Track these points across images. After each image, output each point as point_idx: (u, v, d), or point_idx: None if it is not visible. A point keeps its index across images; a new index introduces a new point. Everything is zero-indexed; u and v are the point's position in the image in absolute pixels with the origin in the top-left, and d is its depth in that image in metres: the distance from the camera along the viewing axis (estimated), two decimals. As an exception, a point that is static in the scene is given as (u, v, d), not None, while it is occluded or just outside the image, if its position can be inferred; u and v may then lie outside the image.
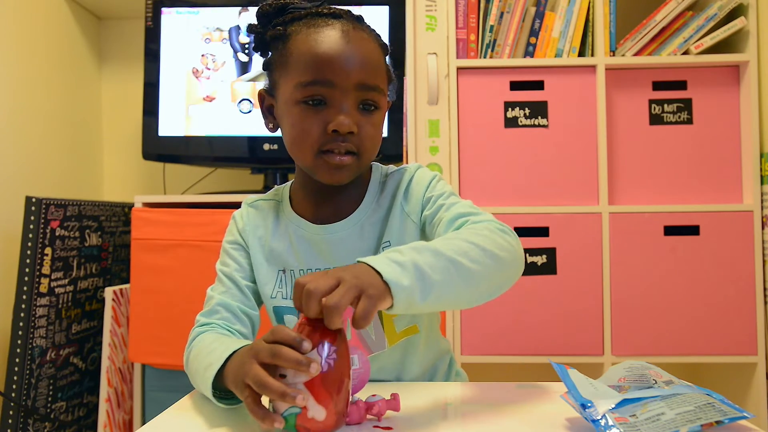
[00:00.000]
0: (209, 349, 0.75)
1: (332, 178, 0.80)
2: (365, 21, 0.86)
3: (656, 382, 0.65)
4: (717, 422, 0.58)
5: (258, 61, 1.87)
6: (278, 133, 0.88)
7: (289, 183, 0.96)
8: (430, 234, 0.85)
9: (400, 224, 0.86)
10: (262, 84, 1.86)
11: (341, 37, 0.79)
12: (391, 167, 0.93)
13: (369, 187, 0.89)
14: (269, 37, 0.83)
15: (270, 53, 0.85)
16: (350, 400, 0.64)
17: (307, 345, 0.59)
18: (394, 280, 0.61)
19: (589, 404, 0.59)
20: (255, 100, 1.87)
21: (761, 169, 1.66)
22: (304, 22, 0.81)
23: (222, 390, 0.70)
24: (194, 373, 0.76)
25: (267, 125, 0.88)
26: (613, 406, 0.59)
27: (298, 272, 0.87)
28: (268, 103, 0.87)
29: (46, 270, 1.63)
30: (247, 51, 1.89)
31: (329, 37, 0.78)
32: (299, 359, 0.58)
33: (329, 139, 0.78)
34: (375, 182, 0.90)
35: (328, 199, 0.87)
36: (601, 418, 0.58)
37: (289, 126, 0.81)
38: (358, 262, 0.64)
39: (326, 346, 0.59)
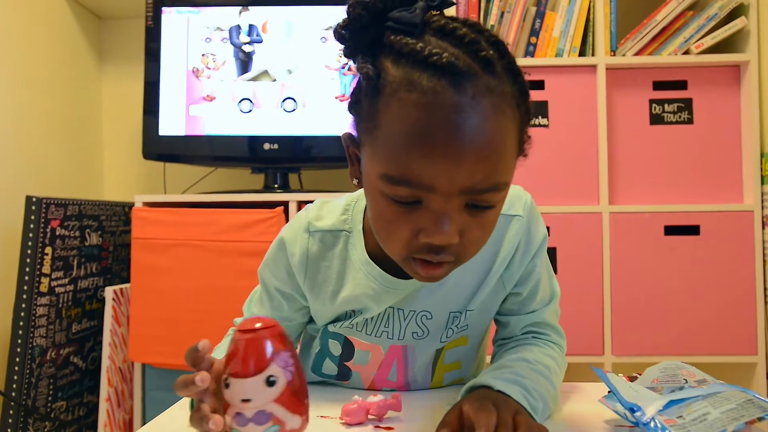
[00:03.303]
0: None
1: (422, 280, 0.64)
2: (502, 56, 0.57)
3: (687, 382, 0.66)
4: (759, 418, 0.59)
5: (258, 60, 1.87)
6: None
7: (363, 202, 0.75)
8: (507, 305, 0.79)
9: (493, 290, 0.76)
10: (264, 84, 1.78)
11: (450, 120, 0.53)
12: None
13: None
14: (358, 67, 0.59)
15: (358, 86, 0.62)
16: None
17: (202, 343, 0.56)
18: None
19: (636, 408, 0.59)
20: (255, 100, 1.87)
21: (761, 169, 1.66)
22: (404, 70, 0.55)
23: None
24: None
25: (351, 178, 0.67)
26: (661, 408, 0.60)
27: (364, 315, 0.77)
28: (353, 150, 0.66)
29: (46, 269, 1.62)
30: (246, 51, 1.88)
31: (432, 121, 0.53)
32: (185, 380, 0.53)
33: (421, 248, 0.59)
34: None
35: None
36: (650, 421, 0.58)
37: (373, 214, 0.63)
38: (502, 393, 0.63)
39: (283, 355, 0.56)
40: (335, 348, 0.81)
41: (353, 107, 0.63)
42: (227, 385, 0.55)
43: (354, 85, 0.63)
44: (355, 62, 0.60)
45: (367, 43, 0.58)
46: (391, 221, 0.59)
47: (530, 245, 0.74)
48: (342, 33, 0.59)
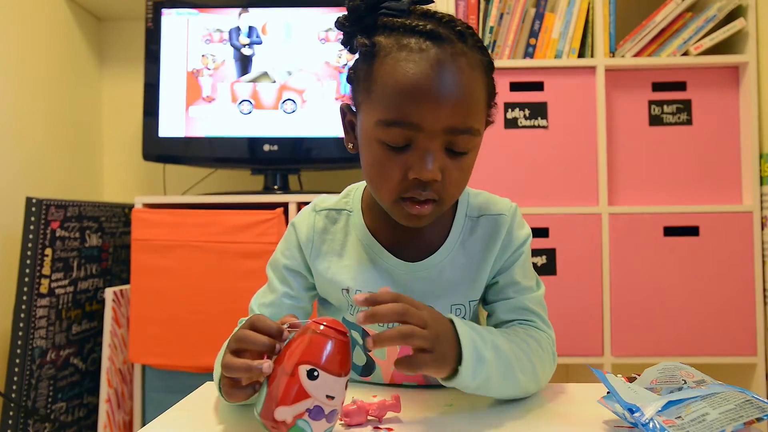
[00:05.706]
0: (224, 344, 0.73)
1: (409, 223, 0.74)
2: (472, 35, 0.72)
3: (686, 383, 0.66)
4: (758, 419, 0.59)
5: (258, 62, 1.87)
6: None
7: (362, 189, 0.87)
8: (487, 296, 0.84)
9: (485, 283, 0.83)
10: (264, 85, 1.82)
11: (434, 70, 0.67)
12: (481, 202, 0.84)
13: (455, 223, 0.83)
14: (356, 46, 0.73)
15: (356, 60, 0.75)
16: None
17: (286, 334, 0.58)
18: (464, 373, 0.65)
19: (635, 408, 0.60)
20: (255, 101, 1.87)
21: (760, 170, 1.66)
22: (395, 38, 0.70)
23: None
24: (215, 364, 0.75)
25: (346, 143, 0.80)
26: (660, 408, 0.60)
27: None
28: (350, 119, 0.79)
29: (46, 271, 1.63)
30: (246, 52, 1.89)
31: (419, 70, 0.67)
32: (263, 341, 0.59)
33: (409, 186, 0.70)
34: (461, 217, 0.83)
35: (409, 229, 0.78)
36: (649, 422, 0.58)
37: (368, 163, 0.74)
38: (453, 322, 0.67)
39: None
40: (358, 338, 0.85)
41: (351, 77, 0.76)
42: (315, 377, 0.54)
43: (351, 63, 0.76)
44: (352, 46, 0.74)
45: (363, 27, 0.72)
46: (383, 164, 0.71)
47: (512, 242, 0.83)
48: (342, 22, 0.73)
